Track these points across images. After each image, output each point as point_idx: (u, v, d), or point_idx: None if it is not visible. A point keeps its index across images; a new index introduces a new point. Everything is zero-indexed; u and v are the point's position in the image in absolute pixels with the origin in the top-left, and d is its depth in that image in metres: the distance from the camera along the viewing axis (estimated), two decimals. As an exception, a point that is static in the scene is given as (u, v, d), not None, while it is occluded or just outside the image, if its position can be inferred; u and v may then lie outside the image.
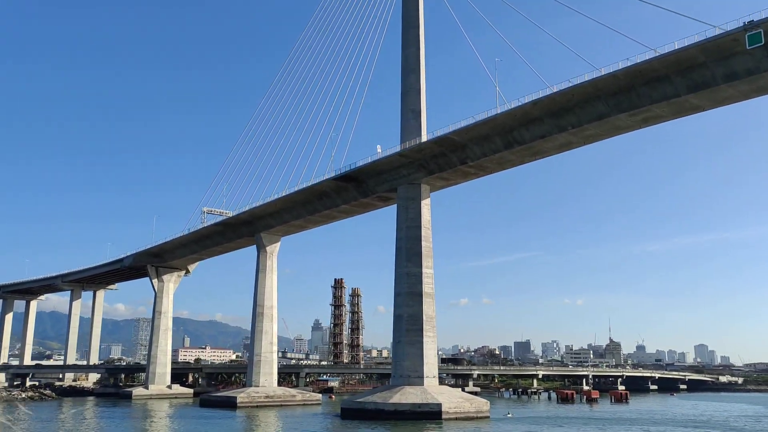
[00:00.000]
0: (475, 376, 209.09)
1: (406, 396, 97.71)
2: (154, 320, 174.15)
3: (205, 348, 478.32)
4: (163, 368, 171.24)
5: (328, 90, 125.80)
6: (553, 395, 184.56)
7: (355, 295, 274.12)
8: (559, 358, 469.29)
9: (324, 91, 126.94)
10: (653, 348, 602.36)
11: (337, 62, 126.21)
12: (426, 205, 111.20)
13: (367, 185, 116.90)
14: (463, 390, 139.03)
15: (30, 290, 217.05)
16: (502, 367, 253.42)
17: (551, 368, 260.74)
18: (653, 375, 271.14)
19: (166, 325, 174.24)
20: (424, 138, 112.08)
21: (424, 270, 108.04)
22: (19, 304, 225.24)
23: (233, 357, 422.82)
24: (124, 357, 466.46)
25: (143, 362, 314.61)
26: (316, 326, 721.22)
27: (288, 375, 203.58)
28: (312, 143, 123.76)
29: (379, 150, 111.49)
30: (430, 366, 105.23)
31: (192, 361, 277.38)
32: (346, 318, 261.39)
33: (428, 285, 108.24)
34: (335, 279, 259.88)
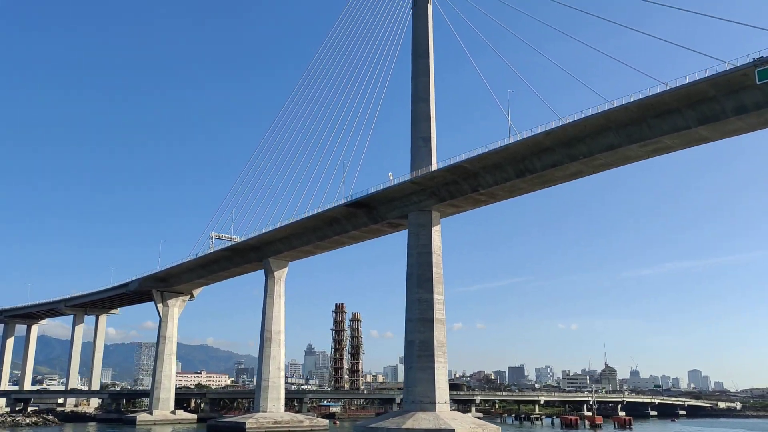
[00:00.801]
0: (477, 401, 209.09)
1: (419, 422, 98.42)
2: (159, 345, 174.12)
3: (200, 373, 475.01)
4: (167, 393, 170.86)
5: (337, 116, 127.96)
6: (557, 421, 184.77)
7: (354, 320, 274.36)
8: (555, 383, 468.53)
9: (333, 118, 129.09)
10: (646, 373, 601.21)
11: (346, 89, 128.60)
12: (437, 232, 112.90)
13: (377, 211, 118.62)
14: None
15: (31, 314, 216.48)
16: (504, 393, 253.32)
17: (552, 394, 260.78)
18: (653, 401, 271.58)
19: (170, 350, 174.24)
20: (434, 165, 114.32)
21: (435, 296, 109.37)
22: (19, 329, 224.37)
23: (228, 382, 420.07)
24: (116, 382, 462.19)
25: (138, 387, 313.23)
26: (309, 351, 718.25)
27: (290, 400, 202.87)
28: (321, 169, 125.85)
29: (390, 177, 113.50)
30: (442, 391, 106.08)
31: (192, 387, 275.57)
32: (347, 343, 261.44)
33: (439, 311, 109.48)
34: (336, 304, 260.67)
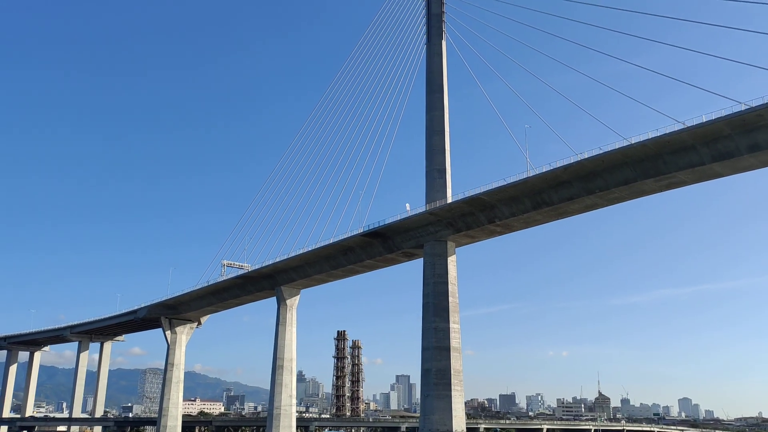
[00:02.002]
0: (481, 430, 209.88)
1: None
2: (166, 372, 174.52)
3: (194, 400, 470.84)
4: (174, 421, 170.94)
5: (350, 147, 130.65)
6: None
7: (355, 347, 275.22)
8: (549, 411, 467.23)
9: (346, 148, 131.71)
10: (637, 401, 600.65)
11: (360, 120, 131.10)
12: (452, 262, 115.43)
13: (393, 241, 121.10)
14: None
15: (35, 341, 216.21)
16: (507, 421, 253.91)
17: (554, 422, 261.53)
18: (651, 429, 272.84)
19: (178, 377, 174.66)
20: (450, 196, 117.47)
21: (451, 325, 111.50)
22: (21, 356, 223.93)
23: (222, 410, 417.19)
24: (108, 409, 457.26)
25: (128, 414, 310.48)
26: (300, 377, 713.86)
27: (297, 428, 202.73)
28: (334, 198, 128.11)
29: (408, 208, 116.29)
30: (459, 420, 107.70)
31: (195, 414, 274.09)
32: (348, 370, 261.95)
33: (455, 339, 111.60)
34: (338, 331, 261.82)
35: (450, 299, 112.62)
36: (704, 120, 79.03)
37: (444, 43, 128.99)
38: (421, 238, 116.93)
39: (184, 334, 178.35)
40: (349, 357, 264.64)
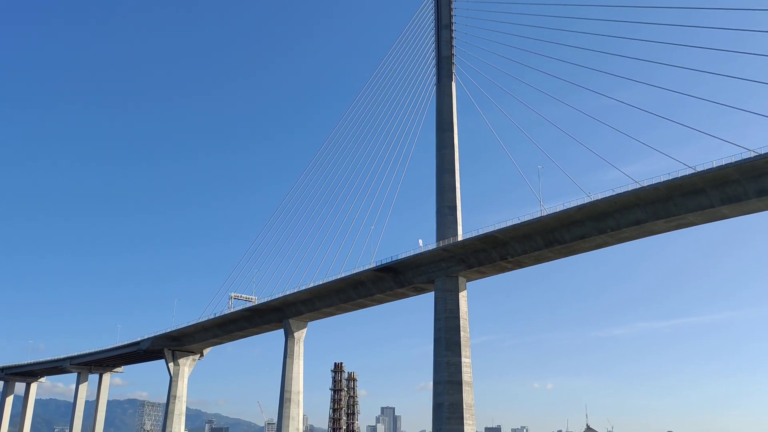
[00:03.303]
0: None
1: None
2: (168, 405, 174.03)
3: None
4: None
5: (361, 181, 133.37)
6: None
7: (350, 379, 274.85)
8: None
9: (356, 182, 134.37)
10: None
11: (371, 155, 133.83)
12: (463, 297, 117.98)
13: (404, 276, 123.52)
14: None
15: (31, 372, 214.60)
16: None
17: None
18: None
19: (180, 410, 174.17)
20: (460, 232, 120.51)
21: (463, 359, 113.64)
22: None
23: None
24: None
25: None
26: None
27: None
28: (342, 232, 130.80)
29: (421, 244, 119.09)
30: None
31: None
32: (345, 403, 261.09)
33: (467, 374, 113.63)
34: (335, 363, 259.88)
35: (462, 334, 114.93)
36: (714, 165, 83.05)
37: (453, 84, 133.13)
38: (432, 274, 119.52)
39: (186, 366, 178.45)
40: (345, 389, 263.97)
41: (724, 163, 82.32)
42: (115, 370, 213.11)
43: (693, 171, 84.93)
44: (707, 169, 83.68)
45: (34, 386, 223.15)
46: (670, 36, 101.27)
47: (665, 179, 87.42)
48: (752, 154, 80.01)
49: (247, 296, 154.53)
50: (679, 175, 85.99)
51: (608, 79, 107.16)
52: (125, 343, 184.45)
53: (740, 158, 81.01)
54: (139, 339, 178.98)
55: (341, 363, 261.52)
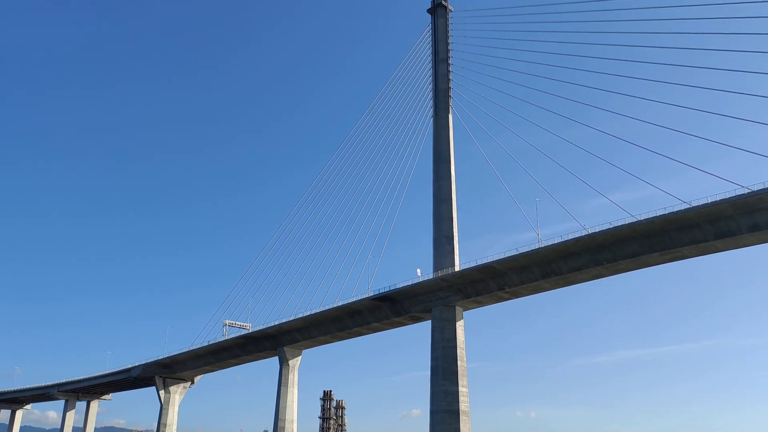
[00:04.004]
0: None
1: None
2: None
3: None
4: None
5: (356, 211, 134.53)
6: None
7: (339, 407, 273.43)
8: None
9: (351, 212, 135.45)
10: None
11: (367, 186, 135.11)
12: (460, 327, 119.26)
13: (402, 305, 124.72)
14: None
15: (17, 399, 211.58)
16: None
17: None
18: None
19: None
20: (457, 262, 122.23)
21: (460, 389, 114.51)
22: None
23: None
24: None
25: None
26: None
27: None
28: (338, 261, 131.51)
29: (419, 273, 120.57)
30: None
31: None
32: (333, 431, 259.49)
33: (464, 403, 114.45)
34: (324, 391, 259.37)
35: (459, 363, 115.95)
36: (709, 201, 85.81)
37: (450, 116, 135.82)
38: (429, 303, 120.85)
39: (177, 393, 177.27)
40: (334, 417, 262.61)
41: (718, 199, 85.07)
42: (104, 397, 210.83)
43: (688, 206, 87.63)
44: (702, 205, 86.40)
45: (19, 413, 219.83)
46: (664, 72, 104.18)
47: (661, 213, 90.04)
48: (746, 191, 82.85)
49: (242, 323, 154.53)
50: (675, 210, 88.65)
51: (600, 113, 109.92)
52: (116, 370, 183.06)
53: (734, 194, 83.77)
54: (130, 366, 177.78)
55: (330, 391, 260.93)
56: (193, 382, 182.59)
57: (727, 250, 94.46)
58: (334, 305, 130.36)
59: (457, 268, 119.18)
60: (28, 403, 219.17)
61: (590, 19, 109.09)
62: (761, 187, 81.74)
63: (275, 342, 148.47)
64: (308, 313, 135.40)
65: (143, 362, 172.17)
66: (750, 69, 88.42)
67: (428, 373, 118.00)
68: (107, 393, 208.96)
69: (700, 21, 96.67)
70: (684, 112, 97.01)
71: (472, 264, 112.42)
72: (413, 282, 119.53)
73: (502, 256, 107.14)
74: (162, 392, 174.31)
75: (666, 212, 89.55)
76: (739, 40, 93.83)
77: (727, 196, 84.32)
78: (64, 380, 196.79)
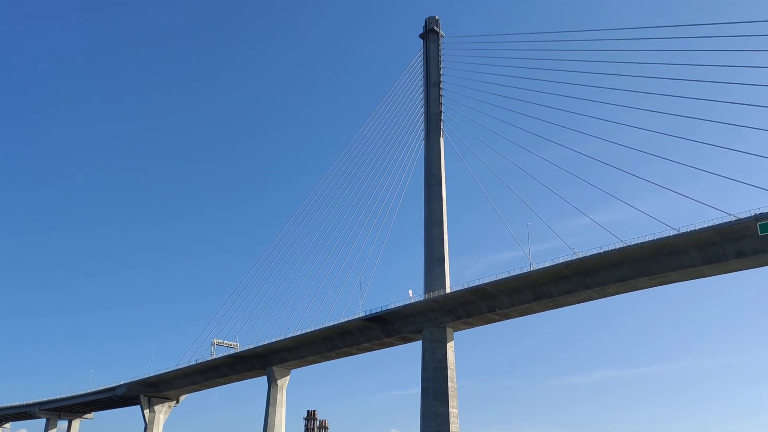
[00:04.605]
0: None
1: None
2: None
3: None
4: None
5: (347, 232, 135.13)
6: None
7: (323, 427, 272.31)
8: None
9: (342, 232, 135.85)
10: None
11: (357, 207, 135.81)
12: (451, 348, 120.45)
13: (393, 326, 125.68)
14: None
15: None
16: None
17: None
18: None
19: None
20: (448, 283, 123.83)
21: (450, 410, 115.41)
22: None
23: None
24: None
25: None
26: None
27: None
28: (328, 281, 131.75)
29: (411, 295, 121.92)
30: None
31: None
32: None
33: (454, 424, 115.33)
34: (308, 411, 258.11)
35: (449, 384, 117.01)
36: (697, 227, 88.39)
37: (442, 139, 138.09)
38: (420, 324, 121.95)
39: (162, 413, 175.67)
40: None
41: (705, 226, 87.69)
42: (86, 416, 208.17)
43: (677, 232, 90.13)
44: (690, 231, 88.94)
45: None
46: (636, 98, 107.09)
47: (651, 239, 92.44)
48: (732, 218, 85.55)
49: (230, 342, 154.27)
50: (664, 236, 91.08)
51: (583, 137, 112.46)
52: (100, 388, 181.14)
53: (721, 221, 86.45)
54: (114, 384, 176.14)
55: (314, 411, 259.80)
56: (177, 401, 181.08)
57: (713, 275, 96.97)
58: (325, 325, 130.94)
59: (448, 290, 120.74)
60: (8, 421, 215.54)
61: (570, 48, 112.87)
62: (747, 215, 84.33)
63: (264, 361, 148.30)
64: (298, 333, 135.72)
65: (128, 381, 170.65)
66: (722, 98, 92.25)
67: (414, 391, 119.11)
68: (89, 412, 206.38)
69: (672, 52, 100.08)
70: (659, 134, 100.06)
71: (464, 286, 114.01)
72: (405, 303, 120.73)
73: (493, 279, 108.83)
74: (147, 411, 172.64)
75: (655, 238, 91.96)
76: (712, 68, 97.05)
77: (714, 223, 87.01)
78: (46, 398, 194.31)
